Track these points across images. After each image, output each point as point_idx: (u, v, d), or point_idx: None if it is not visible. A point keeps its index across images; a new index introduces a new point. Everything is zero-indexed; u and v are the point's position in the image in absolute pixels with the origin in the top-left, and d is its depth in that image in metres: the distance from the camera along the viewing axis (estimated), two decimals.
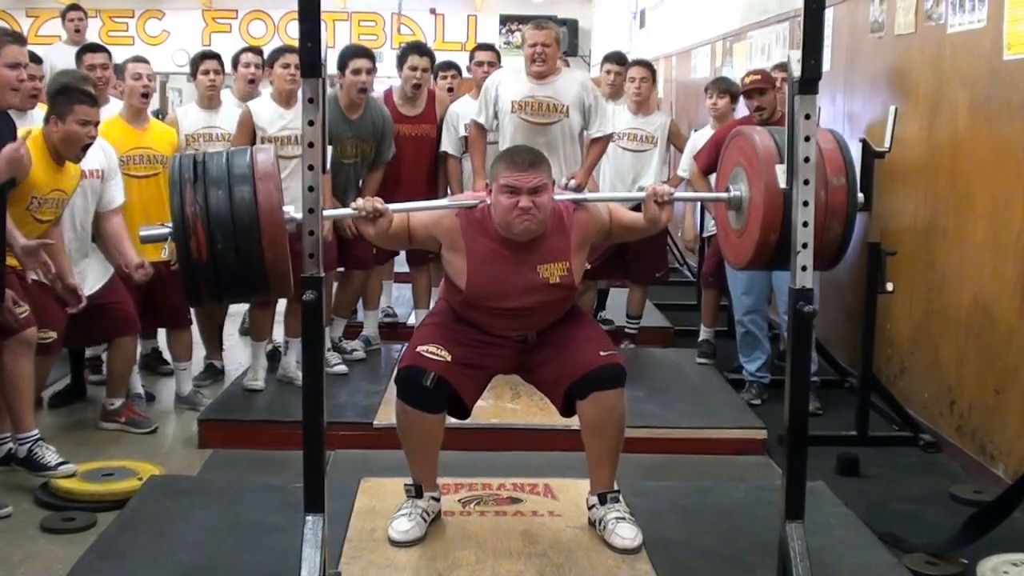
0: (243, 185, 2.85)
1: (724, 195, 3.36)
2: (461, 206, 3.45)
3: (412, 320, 6.23)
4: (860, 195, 3.16)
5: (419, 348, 3.46)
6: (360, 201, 3.21)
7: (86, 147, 4.50)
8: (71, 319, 4.62)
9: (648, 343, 6.46)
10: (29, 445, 4.32)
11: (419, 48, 6.21)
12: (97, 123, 4.52)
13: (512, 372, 3.71)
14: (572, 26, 15.90)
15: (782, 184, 3.07)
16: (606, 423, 3.49)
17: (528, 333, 3.53)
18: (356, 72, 5.41)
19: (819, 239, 3.06)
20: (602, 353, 3.48)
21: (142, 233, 3.10)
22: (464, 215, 3.39)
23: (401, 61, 6.06)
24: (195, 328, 5.74)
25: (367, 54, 5.55)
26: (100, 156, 4.81)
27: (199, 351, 5.86)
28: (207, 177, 2.87)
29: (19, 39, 4.25)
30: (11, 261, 4.34)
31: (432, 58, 6.12)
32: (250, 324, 5.66)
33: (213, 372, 5.96)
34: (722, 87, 6.37)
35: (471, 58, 6.61)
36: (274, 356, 5.80)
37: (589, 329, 3.62)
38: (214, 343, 6.05)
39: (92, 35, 8.92)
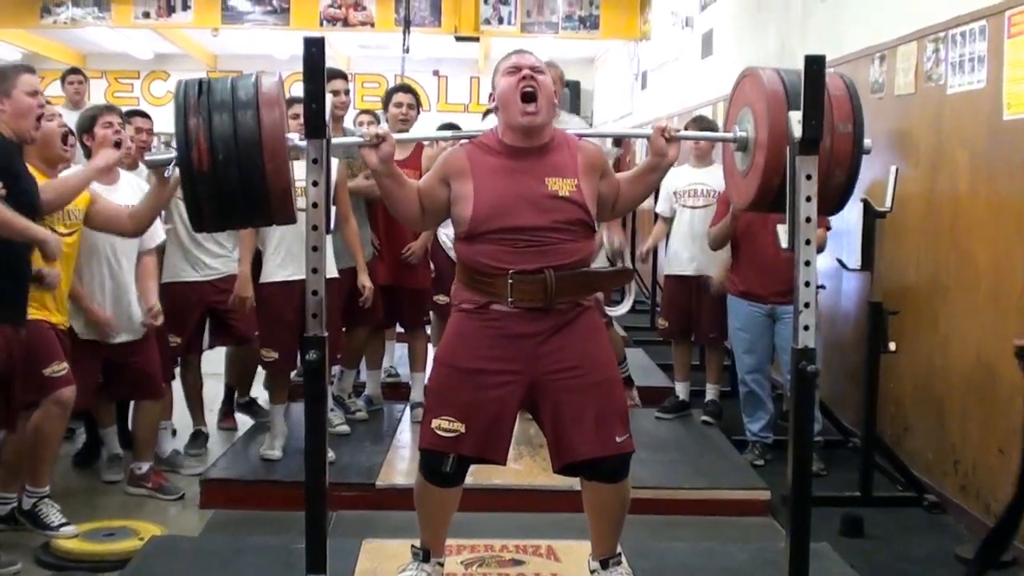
0: (247, 109, 2.89)
1: (730, 135, 3.36)
2: (467, 136, 3.53)
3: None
4: (868, 141, 3.14)
5: (433, 423, 3.29)
6: (363, 129, 3.25)
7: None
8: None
9: (651, 403, 6.42)
10: (35, 500, 4.33)
11: (402, 87, 6.30)
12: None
13: (526, 398, 3.36)
14: (574, 88, 16.02)
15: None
16: (610, 507, 3.42)
17: (547, 273, 3.22)
18: (335, 93, 5.41)
19: (821, 186, 3.06)
20: (618, 439, 3.29)
21: (147, 157, 3.12)
22: (471, 144, 3.44)
23: (386, 102, 6.11)
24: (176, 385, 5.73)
25: (342, 75, 5.66)
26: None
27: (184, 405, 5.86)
28: (211, 100, 2.89)
29: (30, 69, 4.21)
30: (52, 316, 4.33)
31: (416, 96, 6.14)
32: (269, 387, 5.61)
33: (201, 439, 5.90)
34: (702, 125, 6.30)
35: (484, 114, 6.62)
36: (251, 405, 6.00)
37: (609, 396, 3.35)
38: (198, 408, 5.96)
39: (98, 96, 8.99)
